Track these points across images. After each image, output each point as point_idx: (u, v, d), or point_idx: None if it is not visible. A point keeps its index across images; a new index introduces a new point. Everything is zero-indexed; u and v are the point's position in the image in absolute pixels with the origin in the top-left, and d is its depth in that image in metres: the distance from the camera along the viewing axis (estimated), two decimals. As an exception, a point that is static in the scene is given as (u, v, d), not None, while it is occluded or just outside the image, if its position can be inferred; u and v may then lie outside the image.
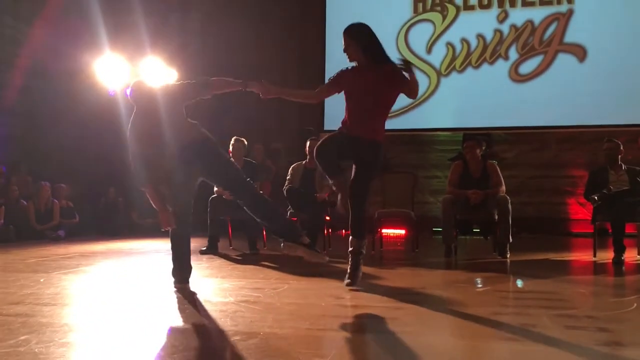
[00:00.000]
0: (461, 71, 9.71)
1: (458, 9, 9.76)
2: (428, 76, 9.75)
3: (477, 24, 9.67)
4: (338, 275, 3.97)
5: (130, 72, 9.99)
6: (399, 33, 9.86)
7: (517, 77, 9.50)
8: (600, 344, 2.45)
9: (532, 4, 9.50)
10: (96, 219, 9.21)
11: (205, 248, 5.89)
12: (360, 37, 3.77)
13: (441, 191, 8.02)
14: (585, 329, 2.71)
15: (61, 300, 3.29)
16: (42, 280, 3.98)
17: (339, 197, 3.79)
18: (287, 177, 6.30)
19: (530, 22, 9.46)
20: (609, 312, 3.10)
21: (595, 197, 5.59)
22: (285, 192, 6.14)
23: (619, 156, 5.78)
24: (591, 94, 9.06)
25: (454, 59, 9.72)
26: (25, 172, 9.11)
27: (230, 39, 10.10)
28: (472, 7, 9.75)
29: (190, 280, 3.80)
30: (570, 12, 9.32)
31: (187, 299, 3.37)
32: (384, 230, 6.97)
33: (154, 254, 5.97)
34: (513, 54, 9.52)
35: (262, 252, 6.05)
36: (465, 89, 9.60)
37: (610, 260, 5.32)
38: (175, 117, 3.73)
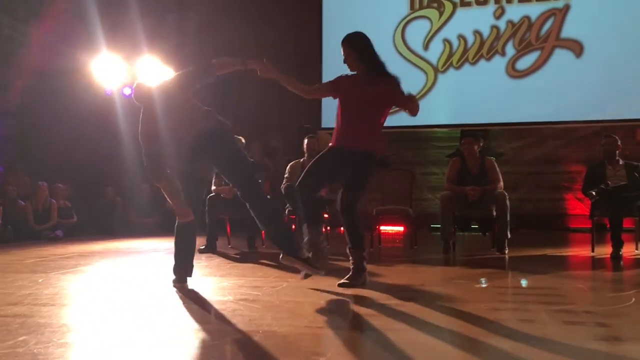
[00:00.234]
0: (458, 68, 9.71)
1: (454, 5, 9.75)
2: (425, 73, 9.74)
3: (474, 20, 9.66)
4: (337, 273, 3.97)
5: (127, 71, 9.99)
6: (395, 30, 9.84)
7: (514, 72, 9.50)
8: (598, 338, 2.45)
9: (528, 0, 9.50)
10: (94, 219, 9.20)
11: (204, 247, 5.89)
12: (359, 47, 3.75)
13: (439, 188, 8.02)
14: (584, 324, 2.71)
15: (60, 301, 3.28)
16: (40, 280, 3.97)
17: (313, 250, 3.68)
18: (285, 175, 6.29)
19: (527, 17, 9.46)
20: (608, 307, 3.11)
21: (593, 193, 5.60)
22: (283, 190, 6.13)
23: (617, 151, 5.78)
24: (588, 89, 9.06)
25: (450, 55, 9.72)
26: (22, 172, 9.09)
27: (227, 40, 10.08)
28: (468, 4, 9.74)
29: (189, 279, 3.79)
30: (566, 8, 9.31)
31: (186, 297, 3.37)
32: (382, 228, 6.97)
33: (152, 253, 5.97)
34: (510, 50, 9.52)
35: (260, 250, 6.05)
36: (462, 86, 9.60)
37: (609, 255, 5.33)
38: (183, 109, 3.68)
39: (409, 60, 9.69)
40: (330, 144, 3.82)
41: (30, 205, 8.14)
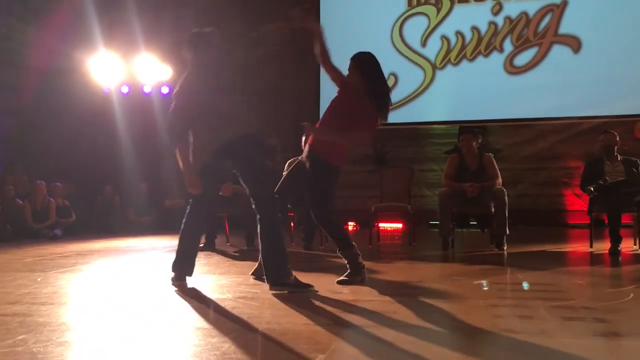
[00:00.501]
0: (456, 64, 9.71)
1: (452, 1, 9.75)
2: (423, 69, 9.74)
3: (472, 17, 9.66)
4: (335, 270, 3.97)
5: (124, 70, 9.98)
6: (393, 26, 9.84)
7: (512, 69, 9.50)
8: (597, 334, 2.45)
9: (526, -4, 9.50)
10: (92, 218, 9.20)
11: (202, 245, 5.88)
12: (365, 70, 3.79)
13: (438, 184, 8.02)
14: (583, 319, 2.72)
15: (58, 299, 3.28)
16: (39, 279, 3.97)
17: None
18: (283, 173, 6.28)
19: (525, 13, 9.46)
20: (606, 303, 3.11)
21: (592, 188, 5.61)
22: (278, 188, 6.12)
23: (615, 147, 5.79)
24: (586, 85, 9.07)
25: (448, 52, 9.72)
26: (21, 172, 9.08)
27: (223, 36, 10.06)
28: (466, 0, 9.73)
29: (188, 277, 3.77)
30: (564, 4, 9.32)
31: (185, 295, 3.37)
32: (381, 225, 6.97)
33: (150, 252, 5.96)
34: (508, 46, 9.52)
35: (259, 248, 6.04)
36: (460, 82, 9.60)
37: (607, 251, 5.34)
38: (233, 98, 3.55)
39: (406, 57, 9.68)
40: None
41: (28, 204, 8.13)
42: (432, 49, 9.78)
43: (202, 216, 3.72)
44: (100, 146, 10.05)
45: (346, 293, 3.39)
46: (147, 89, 10.13)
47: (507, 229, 5.60)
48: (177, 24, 10.12)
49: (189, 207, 3.68)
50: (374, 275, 4.04)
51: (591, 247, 5.75)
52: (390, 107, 3.86)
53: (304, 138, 6.33)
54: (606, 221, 5.68)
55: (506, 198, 5.59)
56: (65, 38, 9.38)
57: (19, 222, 7.93)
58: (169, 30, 9.99)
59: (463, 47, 9.68)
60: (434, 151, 10.06)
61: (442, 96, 9.67)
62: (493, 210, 5.65)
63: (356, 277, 3.67)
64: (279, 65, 10.07)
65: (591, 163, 5.95)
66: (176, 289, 3.56)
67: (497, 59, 9.55)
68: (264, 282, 3.42)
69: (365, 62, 3.81)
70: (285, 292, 3.30)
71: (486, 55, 9.60)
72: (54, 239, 7.63)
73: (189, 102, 3.53)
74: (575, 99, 9.13)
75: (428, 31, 9.81)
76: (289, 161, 6.39)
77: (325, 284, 3.59)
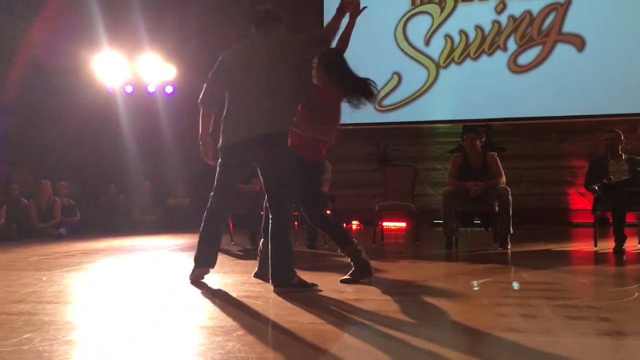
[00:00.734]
0: (460, 63, 9.69)
1: (456, 0, 9.72)
2: (427, 68, 9.72)
3: (475, 16, 9.64)
4: (339, 269, 3.98)
5: (128, 69, 10.00)
6: (397, 26, 9.82)
7: (515, 68, 9.48)
8: (601, 333, 2.45)
9: (530, -5, 9.47)
10: (97, 217, 9.23)
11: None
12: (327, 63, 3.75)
13: (441, 183, 8.02)
14: (587, 318, 2.72)
15: (64, 298, 3.29)
16: (44, 278, 3.99)
17: None
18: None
19: (529, 12, 9.43)
20: (610, 302, 3.11)
21: (596, 187, 5.59)
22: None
23: (620, 146, 5.77)
24: (590, 84, 9.04)
25: (452, 50, 9.70)
26: (26, 171, 9.11)
27: (227, 36, 10.07)
28: (470, -1, 9.72)
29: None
30: (568, 2, 9.29)
31: (189, 294, 3.38)
32: (384, 223, 6.98)
33: (155, 251, 5.98)
34: (512, 45, 9.50)
35: (259, 248, 6.04)
36: (464, 81, 9.58)
37: (611, 250, 5.32)
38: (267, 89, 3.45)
39: (410, 56, 9.66)
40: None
41: (34, 204, 8.16)
42: (436, 48, 9.76)
43: (223, 211, 3.70)
44: (105, 145, 10.08)
45: (350, 292, 3.39)
46: (151, 89, 10.16)
47: (511, 227, 5.60)
48: (181, 23, 10.15)
49: (210, 201, 3.67)
50: (378, 274, 4.04)
51: (595, 246, 5.74)
52: (376, 92, 3.79)
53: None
54: (610, 220, 5.67)
55: (510, 197, 5.58)
56: (69, 37, 9.40)
57: (24, 221, 7.96)
58: (173, 30, 10.02)
59: (467, 46, 9.66)
60: (437, 150, 10.05)
61: (445, 95, 9.65)
62: (497, 209, 5.65)
63: (360, 274, 3.66)
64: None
65: (595, 162, 5.94)
66: (180, 288, 3.56)
67: (500, 58, 9.53)
68: (269, 282, 3.42)
69: (327, 58, 3.76)
70: (290, 291, 3.31)
71: (490, 54, 9.58)
72: (59, 238, 7.66)
73: (226, 78, 3.53)
74: (579, 98, 9.11)
75: (432, 30, 9.79)
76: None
77: (329, 283, 3.59)
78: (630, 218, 5.75)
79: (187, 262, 4.99)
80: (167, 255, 5.61)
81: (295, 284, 3.37)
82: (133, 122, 9.97)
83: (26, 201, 8.18)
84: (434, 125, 10.04)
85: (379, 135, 9.93)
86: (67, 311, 2.95)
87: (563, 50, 9.29)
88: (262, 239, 3.90)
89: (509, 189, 5.66)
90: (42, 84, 9.43)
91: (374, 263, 4.34)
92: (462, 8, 9.71)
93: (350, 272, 3.70)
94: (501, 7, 9.55)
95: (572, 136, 9.62)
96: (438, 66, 9.74)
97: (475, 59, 9.63)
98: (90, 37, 9.52)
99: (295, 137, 3.66)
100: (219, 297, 3.25)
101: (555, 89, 9.20)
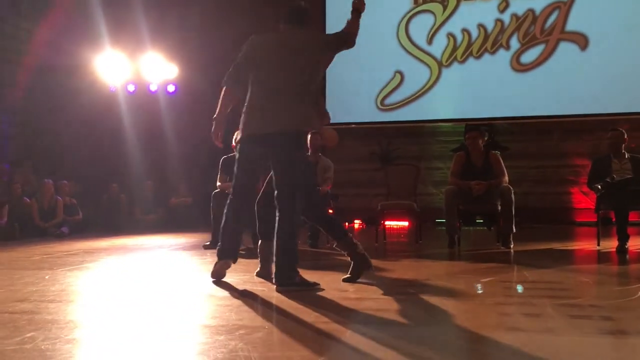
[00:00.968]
0: (462, 62, 9.68)
1: (458, -1, 9.71)
2: (429, 67, 9.71)
3: (478, 14, 9.62)
4: (341, 268, 3.97)
5: (130, 68, 10.01)
6: (399, 24, 9.81)
7: (518, 66, 9.46)
8: (604, 332, 2.45)
9: (532, -7, 9.45)
10: (99, 216, 9.23)
11: (208, 243, 5.90)
12: None
13: (444, 182, 8.02)
14: (590, 318, 2.71)
15: (66, 297, 3.29)
16: (46, 277, 3.99)
17: None
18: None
19: (531, 11, 9.42)
20: (613, 301, 3.10)
21: (599, 186, 5.58)
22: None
23: (623, 145, 5.76)
24: (593, 83, 9.03)
25: (455, 49, 9.69)
26: (28, 170, 9.12)
27: (229, 35, 10.07)
28: (472, -3, 9.70)
29: (194, 275, 3.77)
30: (571, 0, 9.27)
31: (192, 293, 3.38)
32: (387, 222, 6.97)
33: (157, 250, 5.98)
34: (514, 44, 9.48)
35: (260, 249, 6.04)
36: (466, 80, 9.57)
37: (614, 249, 5.31)
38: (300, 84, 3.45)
39: (413, 55, 9.65)
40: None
41: (36, 203, 8.17)
42: (439, 46, 9.75)
43: (244, 207, 3.69)
44: (107, 144, 10.09)
45: (352, 291, 3.39)
46: (153, 88, 10.17)
47: (514, 226, 5.59)
48: (183, 22, 10.15)
49: (230, 197, 3.66)
50: (380, 273, 4.05)
51: (598, 245, 5.73)
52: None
53: (309, 136, 6.37)
54: (613, 219, 5.66)
55: (513, 196, 5.57)
56: (71, 37, 9.41)
57: (26, 221, 7.97)
58: (174, 29, 10.02)
59: (469, 44, 9.64)
60: (440, 149, 10.04)
61: (448, 94, 9.64)
62: (499, 208, 5.64)
63: (360, 270, 3.65)
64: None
65: (598, 161, 5.92)
66: (183, 287, 3.56)
67: (503, 57, 9.51)
68: (271, 282, 3.42)
69: None
70: (292, 289, 3.31)
71: (492, 53, 9.57)
72: (61, 237, 7.67)
73: (253, 64, 3.54)
74: (582, 97, 9.09)
75: (434, 29, 9.78)
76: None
77: (331, 282, 3.59)
78: (633, 217, 5.73)
79: (189, 261, 5.01)
80: (169, 254, 5.62)
81: (297, 282, 3.37)
82: (135, 121, 9.99)
83: (28, 200, 8.19)
84: (437, 124, 10.03)
85: (381, 134, 9.93)
86: (69, 310, 2.95)
87: (566, 49, 9.27)
88: (260, 241, 3.91)
89: (511, 188, 5.65)
90: (44, 83, 9.45)
91: (376, 262, 4.34)
92: (464, 7, 9.70)
93: (350, 268, 3.69)
94: (504, 6, 9.53)
95: (575, 135, 9.60)
96: (440, 65, 9.73)
97: (478, 57, 9.61)
98: (93, 37, 9.53)
99: None
100: (220, 296, 3.25)
101: (558, 87, 9.18)
